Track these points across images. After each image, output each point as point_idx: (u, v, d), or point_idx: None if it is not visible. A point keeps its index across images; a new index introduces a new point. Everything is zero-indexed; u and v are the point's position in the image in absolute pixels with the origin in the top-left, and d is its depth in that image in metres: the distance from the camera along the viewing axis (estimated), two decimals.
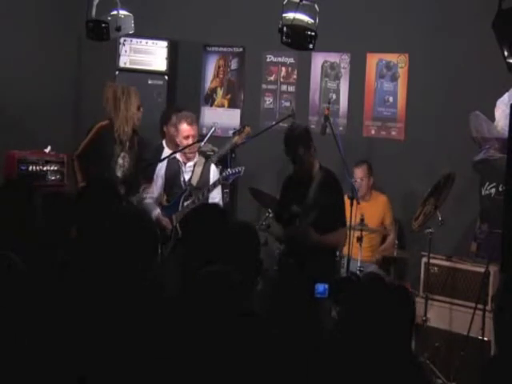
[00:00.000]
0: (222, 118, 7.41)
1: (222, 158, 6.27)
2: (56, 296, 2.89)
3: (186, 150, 5.58)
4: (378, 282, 3.26)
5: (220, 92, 7.55)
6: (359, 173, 6.23)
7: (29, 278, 2.79)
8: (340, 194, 5.08)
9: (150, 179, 5.86)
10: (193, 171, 5.64)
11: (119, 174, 5.76)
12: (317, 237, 4.80)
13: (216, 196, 5.61)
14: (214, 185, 5.56)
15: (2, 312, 2.65)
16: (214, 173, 5.69)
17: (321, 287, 2.98)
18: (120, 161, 5.75)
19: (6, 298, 2.67)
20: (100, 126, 5.78)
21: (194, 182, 5.62)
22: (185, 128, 5.57)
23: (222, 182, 5.58)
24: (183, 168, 5.65)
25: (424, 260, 5.64)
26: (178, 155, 5.67)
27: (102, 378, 2.50)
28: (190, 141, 5.57)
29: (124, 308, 2.66)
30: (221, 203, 5.57)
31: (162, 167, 5.70)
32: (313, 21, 4.77)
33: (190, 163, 5.65)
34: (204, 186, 5.58)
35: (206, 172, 5.67)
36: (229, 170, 5.58)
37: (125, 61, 7.26)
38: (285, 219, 5.08)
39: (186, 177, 5.63)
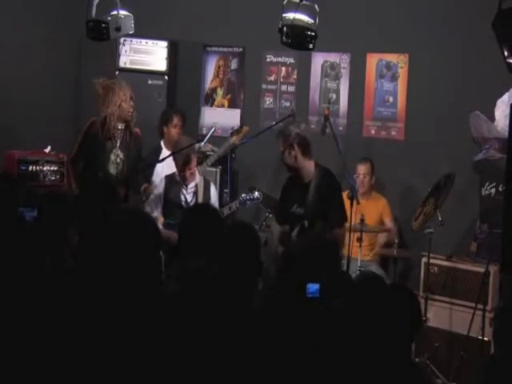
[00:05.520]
0: (222, 118, 7.41)
1: (221, 159, 6.26)
2: (56, 296, 2.89)
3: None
4: (374, 282, 3.25)
5: (220, 92, 7.55)
6: (363, 169, 6.26)
7: (28, 279, 2.79)
8: (338, 190, 5.10)
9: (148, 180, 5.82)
10: (196, 192, 5.52)
11: (112, 170, 5.63)
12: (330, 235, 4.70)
13: (214, 201, 5.60)
14: (230, 208, 5.55)
15: (3, 313, 2.65)
16: (213, 192, 5.63)
17: (312, 287, 2.89)
18: (112, 157, 5.62)
19: (6, 298, 2.67)
20: (89, 124, 5.66)
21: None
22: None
23: (239, 207, 5.54)
24: (184, 189, 5.51)
25: (424, 260, 5.65)
26: (177, 176, 5.53)
27: (103, 378, 2.50)
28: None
29: (126, 309, 2.65)
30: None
31: (160, 185, 5.58)
32: (313, 21, 4.77)
33: (192, 184, 5.51)
34: None
35: (207, 192, 5.59)
36: (244, 195, 5.56)
37: (125, 61, 7.26)
38: (287, 220, 5.07)
39: (188, 197, 5.54)
